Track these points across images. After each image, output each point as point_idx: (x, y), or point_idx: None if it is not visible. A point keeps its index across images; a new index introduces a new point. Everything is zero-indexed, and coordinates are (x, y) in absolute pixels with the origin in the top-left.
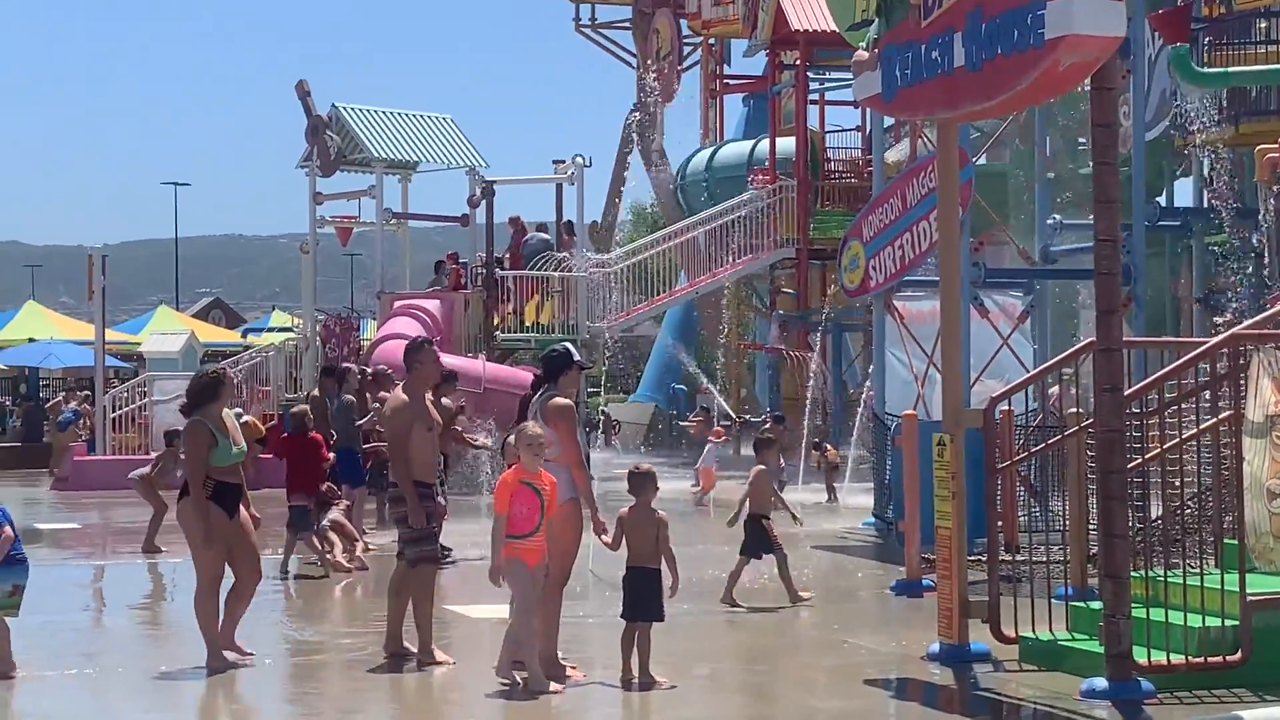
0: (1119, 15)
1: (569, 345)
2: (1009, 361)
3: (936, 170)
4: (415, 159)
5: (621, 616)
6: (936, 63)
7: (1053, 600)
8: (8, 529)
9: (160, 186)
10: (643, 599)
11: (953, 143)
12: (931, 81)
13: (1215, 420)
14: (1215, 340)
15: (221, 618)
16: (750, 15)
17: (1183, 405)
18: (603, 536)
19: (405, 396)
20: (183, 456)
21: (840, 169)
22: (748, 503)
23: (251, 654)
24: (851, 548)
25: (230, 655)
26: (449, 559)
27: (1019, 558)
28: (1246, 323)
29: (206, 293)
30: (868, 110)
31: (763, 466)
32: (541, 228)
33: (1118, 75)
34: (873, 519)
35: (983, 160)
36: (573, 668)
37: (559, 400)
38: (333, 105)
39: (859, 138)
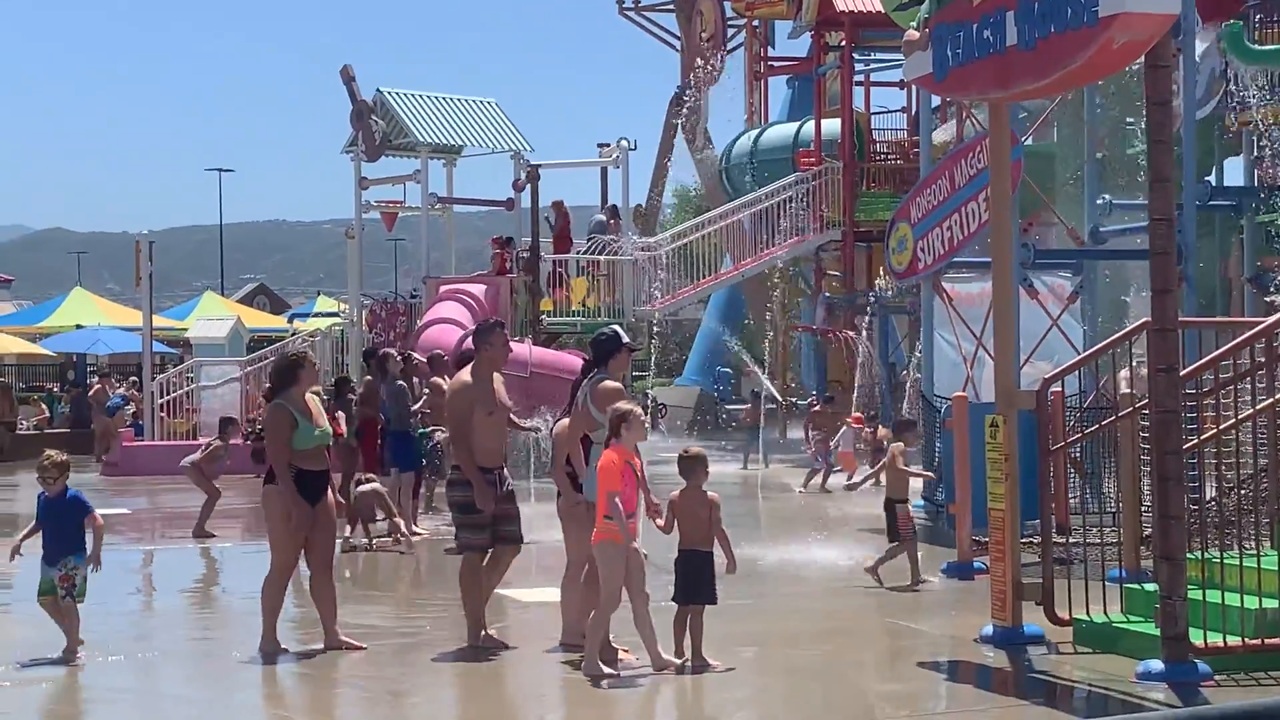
0: None
1: (617, 328)
2: (1058, 343)
3: (988, 150)
4: (460, 143)
5: (673, 600)
6: (989, 42)
7: (1106, 582)
8: (99, 515)
9: (204, 173)
10: (694, 582)
11: (1004, 123)
12: (984, 61)
13: (1271, 400)
14: (1272, 320)
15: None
16: None
17: (1238, 386)
18: (656, 520)
19: (469, 378)
20: (235, 443)
21: (886, 151)
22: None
23: (363, 646)
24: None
25: (343, 647)
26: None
27: (1070, 539)
28: None
29: (251, 278)
30: (914, 91)
31: (902, 445)
32: (611, 212)
33: (1171, 53)
34: (921, 501)
35: (1030, 140)
36: (625, 651)
37: (609, 383)
38: (377, 90)
39: (905, 119)
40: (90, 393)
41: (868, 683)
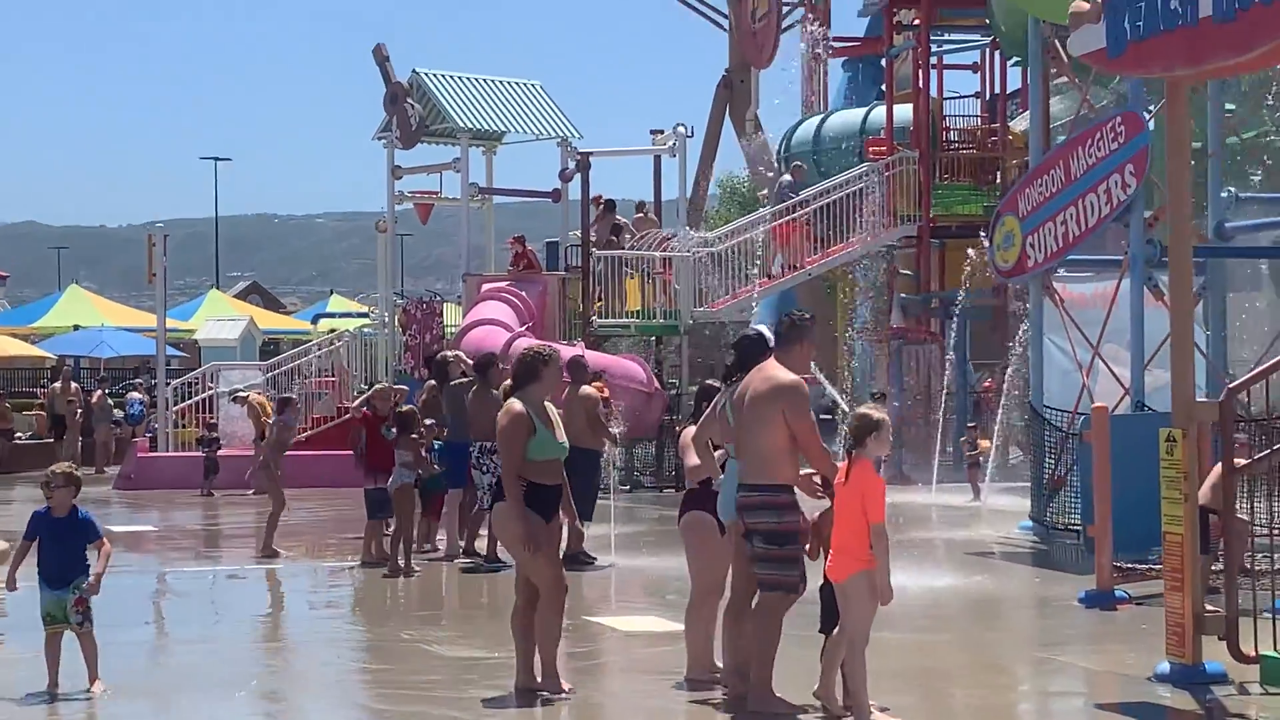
0: None
1: (763, 329)
2: None
3: (1167, 138)
4: (502, 129)
5: (820, 631)
6: (1176, 13)
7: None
8: (107, 543)
9: (185, 163)
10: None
11: (1183, 104)
12: (1170, 34)
13: None
14: None
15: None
16: None
17: None
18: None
19: (780, 376)
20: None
21: (959, 139)
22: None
23: (571, 688)
24: (1013, 554)
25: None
26: (591, 564)
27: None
28: None
29: (240, 276)
30: (989, 75)
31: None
32: (640, 206)
33: None
34: (1030, 523)
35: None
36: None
37: None
38: (413, 71)
39: (978, 105)
40: (94, 399)
41: None
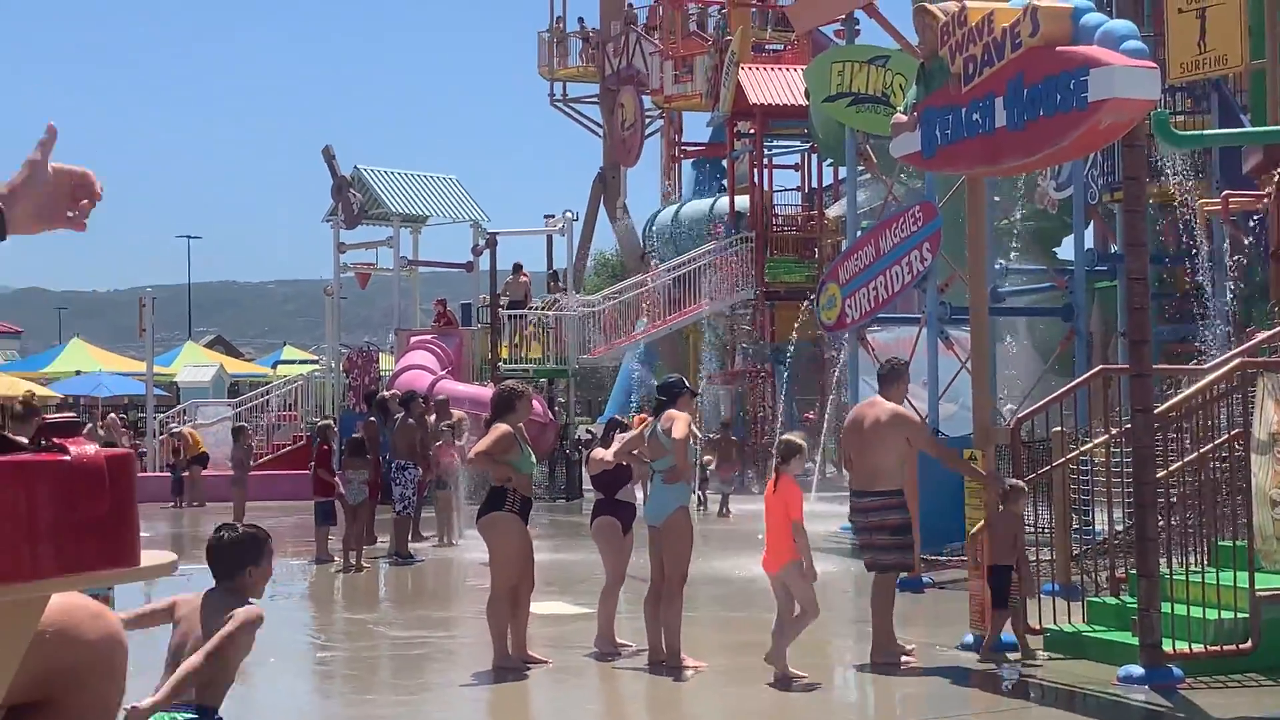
0: (1154, 81)
1: (681, 376)
2: (964, 387)
3: (968, 220)
4: (426, 214)
5: (994, 607)
6: (977, 124)
7: (1056, 597)
8: None
9: (164, 239)
10: None
11: (982, 194)
12: (973, 140)
13: (1226, 438)
14: (1228, 367)
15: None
16: (713, 92)
17: (1184, 424)
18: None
19: (895, 408)
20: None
21: (783, 223)
22: None
23: (548, 661)
24: (836, 549)
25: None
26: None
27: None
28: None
29: (206, 330)
30: (808, 173)
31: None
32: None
33: (1145, 133)
34: (849, 524)
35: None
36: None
37: (681, 414)
38: (355, 167)
39: (799, 196)
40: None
41: (881, 688)
